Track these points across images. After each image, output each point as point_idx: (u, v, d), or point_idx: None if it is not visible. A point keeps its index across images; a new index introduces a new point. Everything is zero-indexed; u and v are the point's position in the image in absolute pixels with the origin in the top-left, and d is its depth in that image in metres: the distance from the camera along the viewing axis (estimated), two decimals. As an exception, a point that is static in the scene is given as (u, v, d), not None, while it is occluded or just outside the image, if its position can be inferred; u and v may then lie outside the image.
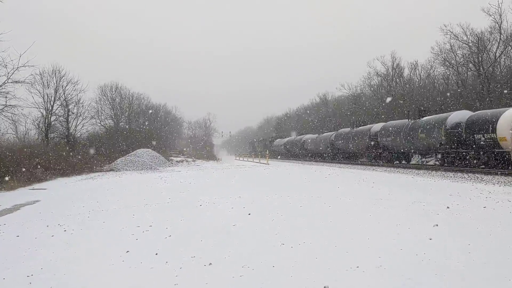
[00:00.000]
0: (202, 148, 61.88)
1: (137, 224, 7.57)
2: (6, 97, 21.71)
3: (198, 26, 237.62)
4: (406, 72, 48.79)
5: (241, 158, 57.99)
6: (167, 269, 4.76)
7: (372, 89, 52.88)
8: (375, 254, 4.96)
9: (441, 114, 23.57)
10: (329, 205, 8.93)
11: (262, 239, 5.99)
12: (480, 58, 34.80)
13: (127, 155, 33.41)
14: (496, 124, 17.73)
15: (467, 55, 36.42)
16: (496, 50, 34.59)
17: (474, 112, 21.69)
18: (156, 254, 5.42)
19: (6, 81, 21.47)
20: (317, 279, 4.14)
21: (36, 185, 18.76)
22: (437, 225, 6.47)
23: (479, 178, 15.17)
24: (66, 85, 36.63)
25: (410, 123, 25.26)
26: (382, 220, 7.08)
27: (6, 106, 21.98)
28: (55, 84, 36.21)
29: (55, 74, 36.22)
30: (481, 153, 19.02)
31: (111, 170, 29.17)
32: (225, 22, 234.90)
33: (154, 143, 40.06)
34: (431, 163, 24.51)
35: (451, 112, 22.80)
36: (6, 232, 7.75)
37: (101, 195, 13.45)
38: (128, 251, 5.62)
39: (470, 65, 36.26)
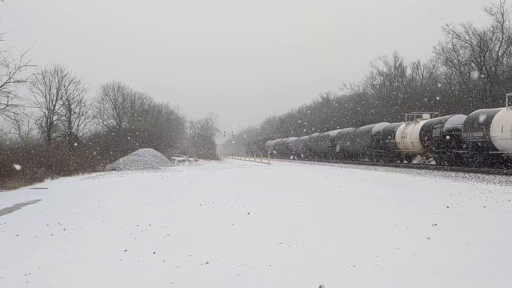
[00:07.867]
0: (204, 147, 61.96)
1: (136, 223, 7.59)
2: (7, 97, 21.79)
3: (200, 25, 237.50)
4: (408, 71, 48.74)
5: (242, 158, 58.04)
6: (164, 268, 4.77)
7: (374, 89, 52.79)
8: (372, 253, 4.96)
9: (370, 125, 32.15)
10: (328, 205, 8.92)
11: (259, 238, 6.00)
12: (482, 58, 34.68)
13: (129, 154, 33.40)
14: (395, 133, 26.85)
15: (469, 54, 36.31)
16: (499, 50, 34.48)
17: (390, 123, 30.38)
18: (154, 253, 5.43)
19: (8, 81, 21.55)
20: (313, 278, 4.14)
21: (38, 185, 18.84)
22: (435, 224, 6.45)
23: (480, 178, 15.12)
24: (68, 85, 36.72)
25: (353, 131, 33.90)
26: (381, 220, 7.07)
27: (8, 106, 22.05)
28: (57, 84, 36.31)
29: (57, 73, 36.32)
30: (389, 152, 28.18)
31: (113, 169, 29.22)
32: (227, 22, 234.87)
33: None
34: (366, 159, 32.19)
35: (375, 124, 31.53)
36: (6, 231, 7.80)
37: (102, 194, 13.49)
38: (126, 250, 5.64)
39: (473, 64, 36.14)
